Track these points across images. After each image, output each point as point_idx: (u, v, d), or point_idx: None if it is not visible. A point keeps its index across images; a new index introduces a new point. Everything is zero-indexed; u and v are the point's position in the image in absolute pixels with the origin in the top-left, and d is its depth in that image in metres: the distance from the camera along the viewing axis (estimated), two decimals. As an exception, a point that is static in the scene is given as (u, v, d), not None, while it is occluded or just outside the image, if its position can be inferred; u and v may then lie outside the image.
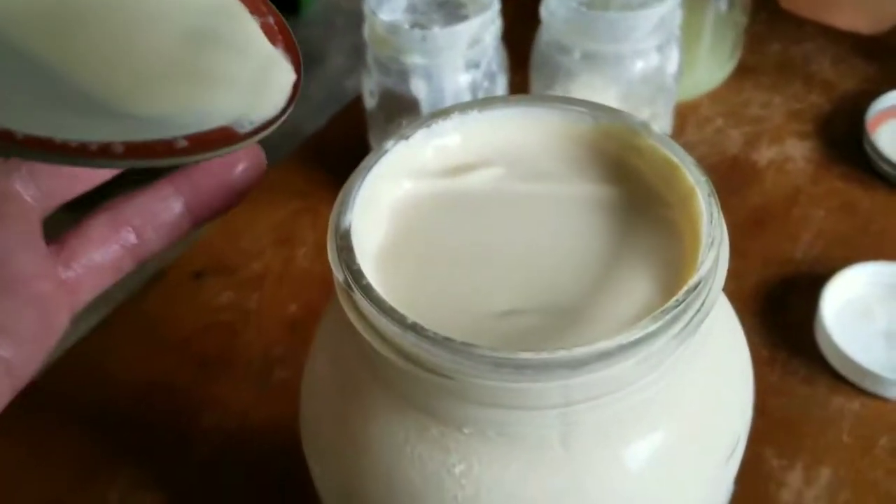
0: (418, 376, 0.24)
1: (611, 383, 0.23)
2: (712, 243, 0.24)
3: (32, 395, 0.53)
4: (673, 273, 0.26)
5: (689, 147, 0.65)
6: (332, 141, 0.68)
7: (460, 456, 0.25)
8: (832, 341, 0.52)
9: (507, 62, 0.58)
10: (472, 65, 0.54)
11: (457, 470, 0.25)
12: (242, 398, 0.53)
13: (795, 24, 0.74)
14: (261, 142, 0.24)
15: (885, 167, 0.62)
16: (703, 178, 0.26)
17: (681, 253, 0.26)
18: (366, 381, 0.27)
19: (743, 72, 0.70)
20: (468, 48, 0.54)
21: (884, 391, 0.51)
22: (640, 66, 0.55)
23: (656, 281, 0.26)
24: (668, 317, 0.23)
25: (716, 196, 0.26)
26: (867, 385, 0.51)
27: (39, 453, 0.51)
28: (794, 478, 0.48)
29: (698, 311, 0.24)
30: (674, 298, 0.23)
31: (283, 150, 0.68)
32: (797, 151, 0.65)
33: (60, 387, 0.54)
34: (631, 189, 0.28)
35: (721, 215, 0.25)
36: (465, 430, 0.25)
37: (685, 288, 0.23)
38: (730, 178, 0.63)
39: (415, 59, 0.53)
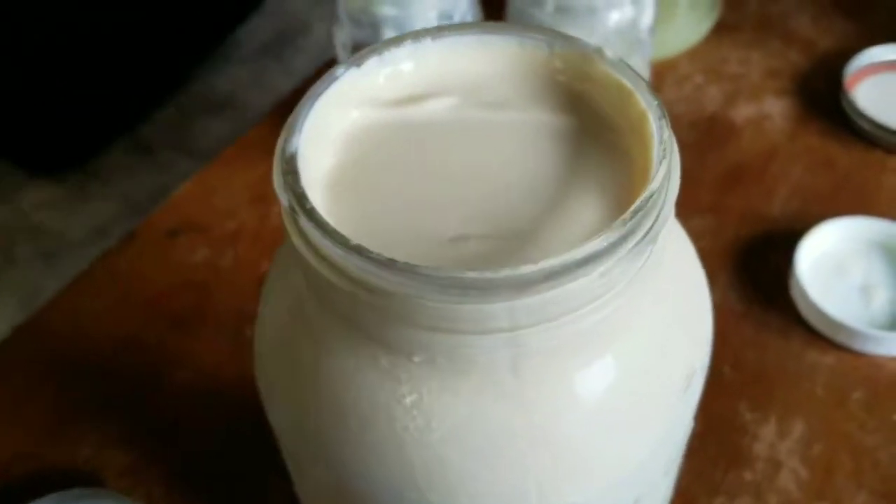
0: (365, 301, 0.24)
1: (559, 305, 0.23)
2: (662, 159, 0.24)
3: (4, 351, 0.53)
4: (624, 196, 0.25)
5: (667, 104, 0.65)
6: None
7: (411, 386, 0.25)
8: (807, 295, 0.51)
9: (481, 15, 0.57)
10: (445, 17, 0.54)
11: (407, 400, 0.25)
12: (214, 356, 0.52)
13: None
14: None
15: (863, 124, 0.61)
16: (654, 102, 0.26)
17: (632, 180, 0.26)
18: (314, 312, 0.27)
19: (721, 29, 0.70)
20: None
21: (858, 345, 0.51)
22: (614, 18, 0.55)
23: (608, 206, 0.25)
24: (616, 235, 0.22)
25: (667, 119, 0.25)
26: (841, 339, 0.51)
27: (11, 408, 0.51)
28: (768, 431, 0.48)
29: (649, 230, 0.23)
30: (622, 217, 0.23)
31: (262, 113, 0.68)
32: (775, 109, 0.64)
33: (33, 343, 0.54)
34: (585, 116, 0.28)
35: (672, 136, 0.25)
36: (415, 359, 0.25)
37: (634, 205, 0.23)
38: (708, 136, 0.63)
39: (386, 11, 0.53)
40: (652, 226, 0.23)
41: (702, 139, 0.62)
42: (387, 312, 0.24)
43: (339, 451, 0.27)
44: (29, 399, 0.51)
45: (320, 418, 0.27)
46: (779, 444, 0.48)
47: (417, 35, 0.28)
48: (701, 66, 0.67)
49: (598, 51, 0.28)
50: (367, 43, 0.54)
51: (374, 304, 0.24)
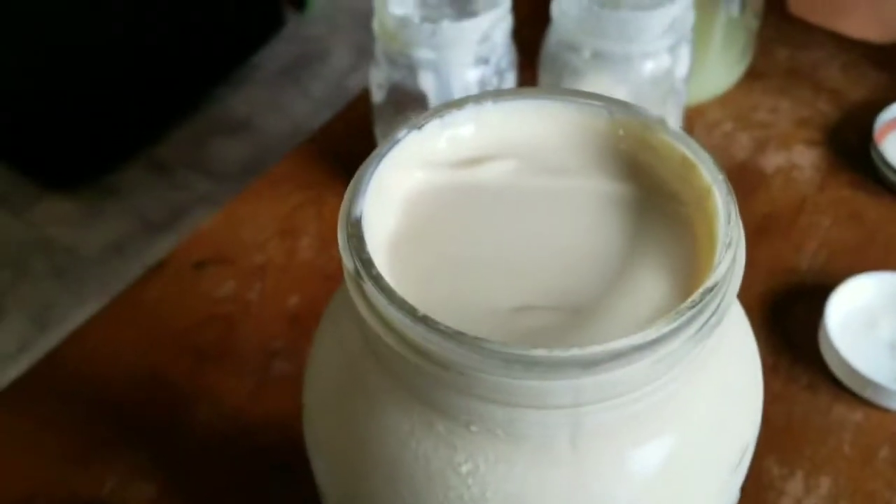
0: (426, 370, 0.24)
1: (622, 384, 0.23)
2: (730, 244, 0.24)
3: (32, 381, 0.53)
4: (688, 274, 0.25)
5: (696, 151, 0.65)
6: (337, 135, 0.67)
7: (466, 454, 0.25)
8: (836, 350, 0.51)
9: (517, 59, 0.57)
10: (482, 61, 0.54)
11: (463, 469, 0.25)
12: (240, 391, 0.52)
13: (804, 29, 0.73)
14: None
15: (893, 177, 0.61)
16: (720, 177, 0.26)
17: (696, 253, 0.26)
18: (371, 374, 0.27)
19: (752, 77, 0.70)
20: (478, 44, 0.53)
21: (886, 402, 0.50)
22: (649, 67, 0.55)
23: (671, 281, 0.25)
24: (682, 318, 0.22)
25: (733, 195, 0.25)
26: (869, 395, 0.51)
27: (34, 438, 0.51)
28: (794, 486, 0.48)
29: (714, 313, 0.23)
30: (689, 300, 0.23)
31: (286, 145, 0.68)
32: (805, 159, 0.64)
33: (59, 373, 0.54)
34: (646, 186, 0.28)
35: (738, 216, 0.25)
36: (473, 428, 0.25)
37: (701, 289, 0.23)
38: (737, 184, 0.62)
39: (424, 54, 0.53)
40: (716, 309, 0.23)
41: (732, 187, 0.62)
42: (446, 381, 0.24)
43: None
44: (52, 429, 0.51)
45: (372, 482, 0.27)
46: (805, 500, 0.47)
47: (478, 98, 0.29)
48: (731, 114, 0.67)
49: (660, 120, 0.28)
50: (402, 84, 0.54)
51: (434, 373, 0.24)
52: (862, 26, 0.72)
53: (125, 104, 1.51)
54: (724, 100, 0.68)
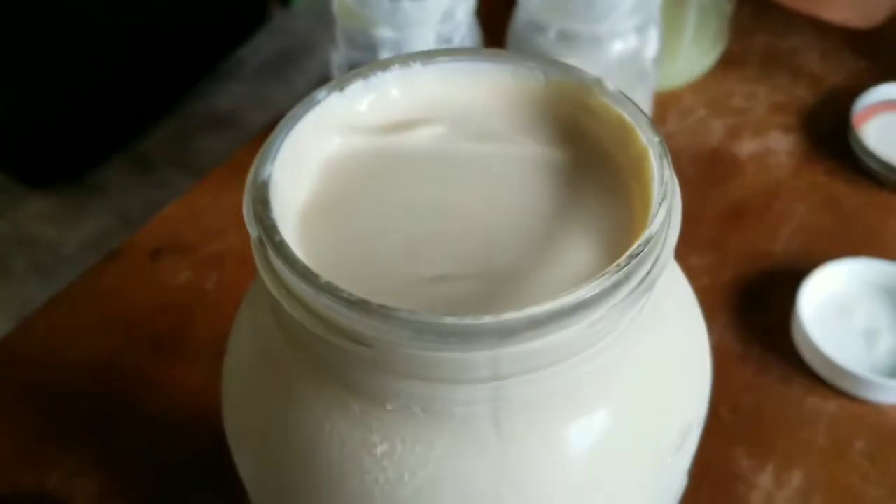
0: (336, 345, 0.22)
1: (545, 356, 0.21)
2: (661, 202, 0.22)
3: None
4: (621, 241, 0.24)
5: (669, 137, 0.63)
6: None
7: (382, 435, 0.23)
8: (809, 339, 0.49)
9: (482, 40, 0.56)
10: (444, 40, 0.52)
11: (378, 450, 0.23)
12: (193, 382, 0.50)
13: (783, 16, 0.72)
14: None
15: (871, 163, 0.60)
16: (656, 139, 0.24)
17: (630, 221, 0.24)
18: (284, 354, 0.25)
19: (727, 63, 0.68)
20: (440, 23, 0.51)
21: (861, 392, 0.49)
22: (618, 48, 0.53)
23: (602, 249, 0.24)
24: (609, 282, 0.21)
25: (668, 157, 0.23)
26: (845, 386, 0.49)
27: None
28: (765, 479, 0.46)
29: (644, 277, 0.21)
30: (616, 262, 0.21)
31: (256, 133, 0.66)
32: (780, 145, 0.63)
33: (6, 364, 0.52)
34: (581, 151, 0.26)
35: (673, 175, 0.23)
36: (388, 406, 0.23)
37: (629, 251, 0.21)
38: (710, 171, 0.61)
39: (384, 33, 0.51)
40: (649, 272, 0.22)
41: (703, 174, 0.61)
42: (359, 357, 0.22)
43: (306, 503, 0.25)
44: (2, 418, 0.49)
45: (287, 468, 0.25)
46: (776, 493, 0.46)
47: (406, 59, 0.27)
48: (705, 99, 0.66)
49: (598, 82, 0.26)
50: (362, 65, 0.53)
51: (345, 348, 0.22)
52: (841, 11, 0.70)
53: (108, 100, 1.49)
54: (698, 86, 0.67)
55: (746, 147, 0.63)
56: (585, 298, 0.20)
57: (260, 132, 0.65)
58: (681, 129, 0.64)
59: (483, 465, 0.23)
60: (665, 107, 0.65)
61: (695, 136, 0.63)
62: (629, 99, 0.25)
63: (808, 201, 0.59)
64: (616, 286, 0.21)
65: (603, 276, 0.21)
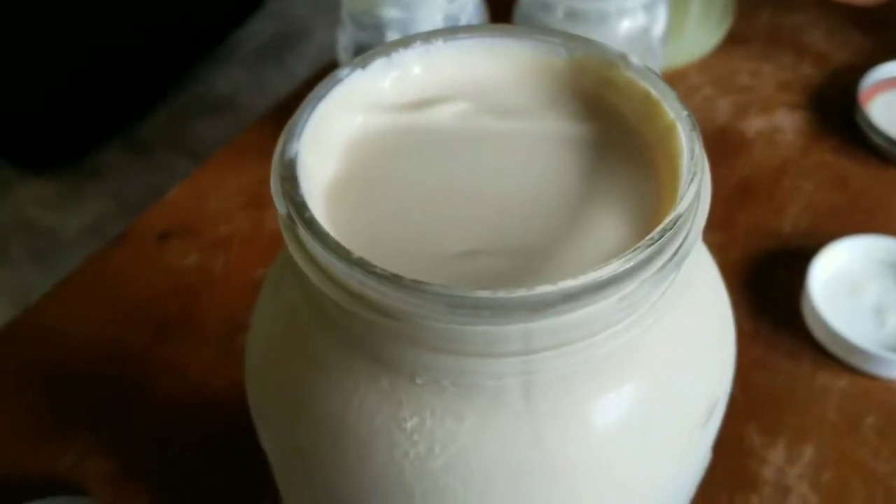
0: (366, 319, 0.22)
1: (577, 330, 0.21)
2: (693, 178, 0.22)
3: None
4: (650, 216, 0.24)
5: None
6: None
7: (412, 409, 0.23)
8: (819, 316, 0.50)
9: (488, 20, 0.56)
10: (451, 20, 0.52)
11: (408, 425, 0.23)
12: (202, 363, 0.51)
13: (788, -7, 0.72)
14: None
15: (878, 140, 0.60)
16: (684, 113, 0.24)
17: (658, 195, 0.24)
18: (312, 328, 0.25)
19: (733, 41, 0.68)
20: (447, 3, 0.51)
21: (871, 368, 0.49)
22: (625, 25, 0.53)
23: (631, 224, 0.24)
24: (640, 256, 0.21)
25: (698, 131, 0.23)
26: (855, 362, 0.49)
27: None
28: (776, 455, 0.46)
29: (675, 253, 0.22)
30: (648, 237, 0.21)
31: (260, 115, 0.66)
32: (787, 122, 0.63)
33: (15, 346, 0.52)
34: (606, 126, 0.26)
35: (703, 151, 0.23)
36: (418, 381, 0.23)
37: (661, 226, 0.21)
38: (717, 149, 0.61)
39: (390, 13, 0.51)
40: (678, 249, 0.22)
41: (711, 152, 0.60)
42: (389, 331, 0.22)
43: (334, 478, 0.25)
44: (9, 404, 0.49)
45: (315, 442, 0.25)
46: (788, 469, 0.46)
47: (428, 37, 0.27)
48: (711, 78, 0.66)
49: (622, 56, 0.26)
50: (369, 46, 0.52)
51: (375, 323, 0.22)
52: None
53: (104, 84, 1.49)
54: (704, 64, 0.67)
55: (753, 125, 0.63)
56: (618, 273, 0.20)
57: (261, 115, 0.65)
58: (688, 107, 0.63)
59: (513, 438, 0.23)
60: (671, 85, 0.64)
61: (701, 115, 0.63)
62: (655, 73, 0.25)
63: (815, 179, 0.59)
64: (648, 260, 0.21)
65: (636, 250, 0.21)
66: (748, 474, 0.46)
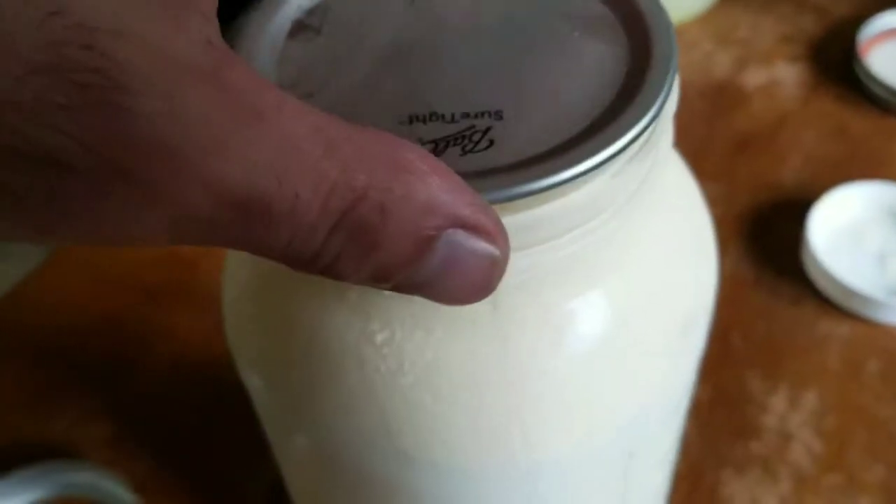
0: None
1: (543, 228, 0.20)
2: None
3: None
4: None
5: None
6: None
7: (382, 322, 0.23)
8: (819, 263, 0.49)
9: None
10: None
11: (378, 338, 0.23)
12: (200, 328, 0.50)
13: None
14: None
15: (878, 90, 0.59)
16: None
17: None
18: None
19: (732, -5, 0.68)
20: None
21: (873, 314, 0.48)
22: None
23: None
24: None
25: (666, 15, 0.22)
26: (856, 308, 0.49)
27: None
28: (778, 402, 0.46)
29: (643, 131, 0.20)
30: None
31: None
32: (787, 75, 0.62)
33: (11, 317, 0.52)
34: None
35: (674, 34, 0.22)
36: (386, 292, 0.22)
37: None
38: (717, 103, 0.60)
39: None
40: (643, 130, 0.20)
41: (711, 106, 0.60)
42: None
43: (309, 404, 0.25)
44: (4, 374, 0.49)
45: (289, 368, 0.25)
46: (790, 415, 0.45)
47: None
48: (710, 33, 0.65)
49: None
50: None
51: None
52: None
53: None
54: (704, 20, 0.66)
55: (753, 78, 0.62)
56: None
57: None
58: (687, 62, 0.63)
59: (482, 345, 0.22)
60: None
61: (702, 70, 0.62)
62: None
63: (815, 130, 0.58)
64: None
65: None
66: (751, 420, 0.45)
